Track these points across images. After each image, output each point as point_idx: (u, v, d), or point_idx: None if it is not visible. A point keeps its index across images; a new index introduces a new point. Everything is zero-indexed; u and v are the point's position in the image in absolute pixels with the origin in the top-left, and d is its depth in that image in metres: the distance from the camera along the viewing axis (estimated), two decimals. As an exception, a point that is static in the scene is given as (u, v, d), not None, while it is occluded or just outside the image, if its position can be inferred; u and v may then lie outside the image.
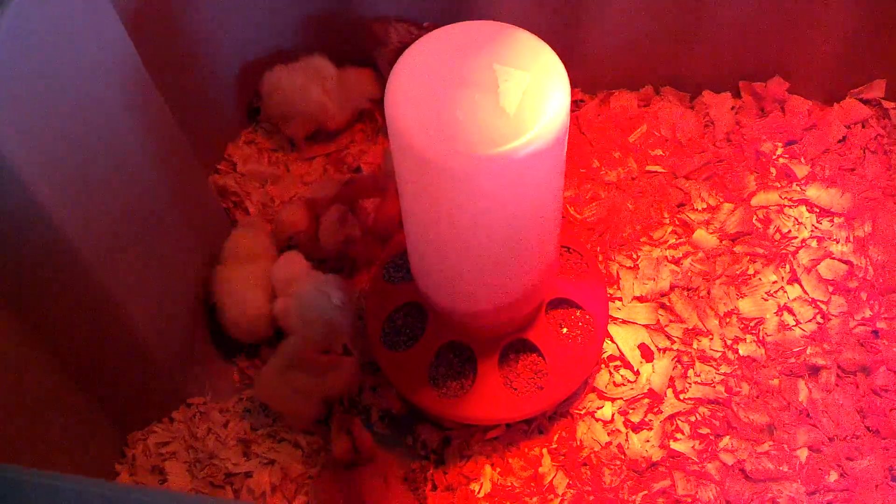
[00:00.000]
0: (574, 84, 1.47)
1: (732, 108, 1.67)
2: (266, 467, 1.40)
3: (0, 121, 0.99)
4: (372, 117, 1.72)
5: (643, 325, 1.49)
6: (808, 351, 1.45)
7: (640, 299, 1.51)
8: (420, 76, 1.06)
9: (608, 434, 1.40)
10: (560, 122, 1.03)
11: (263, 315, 1.45)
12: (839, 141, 1.63)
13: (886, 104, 1.64)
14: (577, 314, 1.39)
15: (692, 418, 1.41)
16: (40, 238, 1.13)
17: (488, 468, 1.39)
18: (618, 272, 1.54)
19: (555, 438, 1.41)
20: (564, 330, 1.38)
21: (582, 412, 1.42)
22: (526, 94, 1.04)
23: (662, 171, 1.63)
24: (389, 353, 1.38)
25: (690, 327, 1.48)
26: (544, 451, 1.40)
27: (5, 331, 1.19)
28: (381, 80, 1.64)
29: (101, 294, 1.24)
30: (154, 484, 1.40)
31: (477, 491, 1.37)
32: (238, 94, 1.67)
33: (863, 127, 1.64)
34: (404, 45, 1.54)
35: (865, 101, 1.65)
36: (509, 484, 1.38)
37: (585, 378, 1.41)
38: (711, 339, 1.47)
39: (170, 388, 1.45)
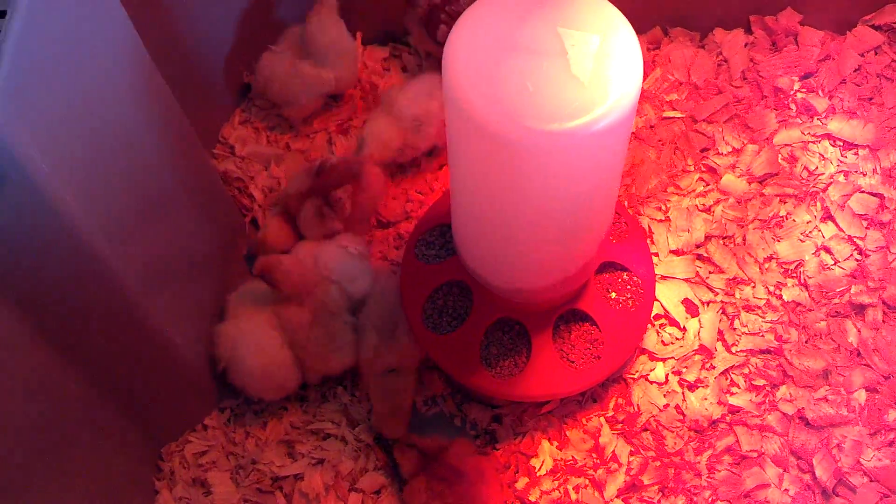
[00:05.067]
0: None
1: (745, 44, 1.62)
2: (316, 467, 1.33)
3: (13, 124, 0.89)
4: (372, 86, 1.61)
5: (683, 279, 1.45)
6: (852, 290, 1.42)
7: (676, 252, 1.47)
8: (479, 43, 0.98)
9: (664, 396, 1.37)
10: (636, 87, 0.96)
11: (287, 362, 1.32)
12: (855, 70, 1.59)
13: (899, 28, 1.61)
14: (624, 276, 1.34)
15: (746, 370, 1.38)
16: (58, 243, 1.01)
17: (546, 443, 1.34)
18: (649, 226, 1.49)
19: (611, 406, 1.36)
20: (613, 294, 1.33)
21: (635, 376, 1.38)
22: (596, 59, 0.96)
23: (681, 115, 1.57)
24: (434, 336, 1.30)
25: (731, 277, 1.44)
26: (602, 419, 1.35)
27: (28, 346, 1.09)
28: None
29: (122, 295, 1.13)
30: (198, 497, 1.31)
31: (538, 468, 1.32)
32: (227, 72, 1.55)
33: (876, 54, 1.60)
34: (434, 5, 1.47)
35: (877, 28, 1.61)
36: (570, 457, 1.33)
37: (640, 342, 1.36)
38: (754, 286, 1.43)
39: (200, 392, 1.36)
